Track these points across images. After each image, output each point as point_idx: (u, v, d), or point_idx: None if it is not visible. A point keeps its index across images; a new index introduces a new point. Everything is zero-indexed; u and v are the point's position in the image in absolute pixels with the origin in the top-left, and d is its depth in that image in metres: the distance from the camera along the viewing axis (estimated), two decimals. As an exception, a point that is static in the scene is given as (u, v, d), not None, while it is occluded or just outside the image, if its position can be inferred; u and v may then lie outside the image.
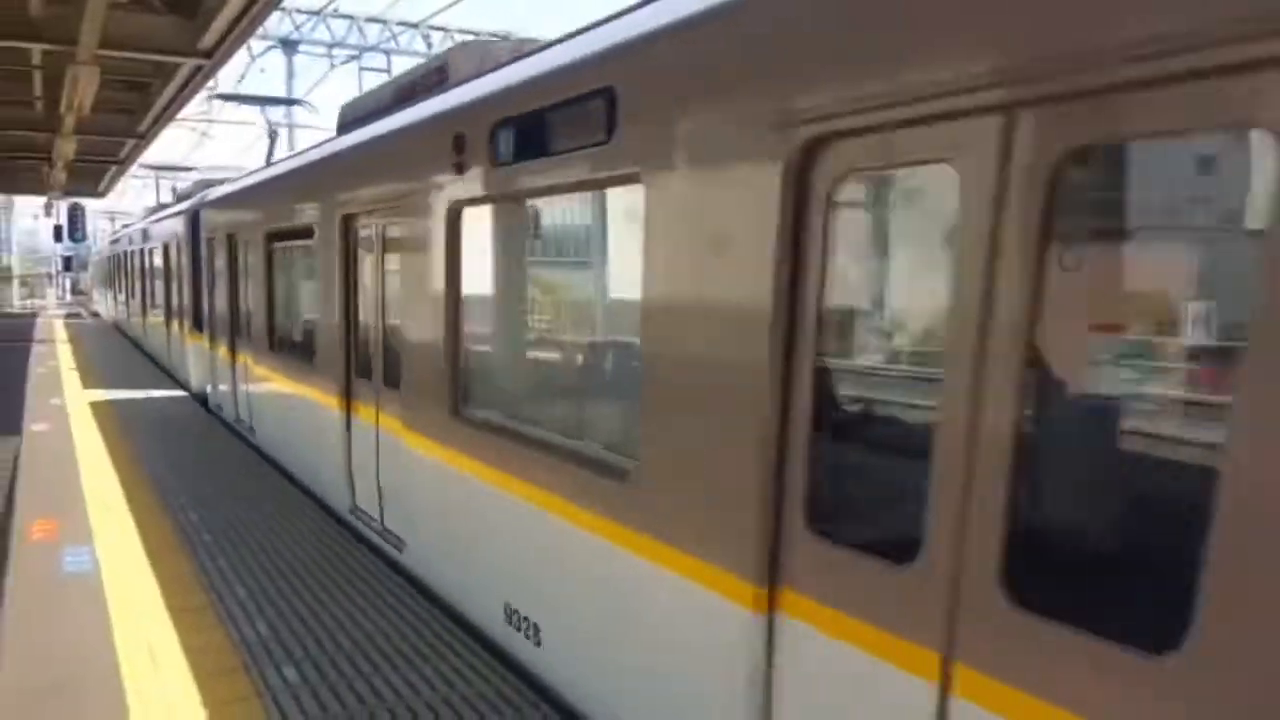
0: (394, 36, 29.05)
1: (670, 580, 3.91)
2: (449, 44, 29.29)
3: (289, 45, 29.77)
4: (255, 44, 27.40)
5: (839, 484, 3.41)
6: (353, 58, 29.07)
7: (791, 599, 3.38)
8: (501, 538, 5.55)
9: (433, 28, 29.28)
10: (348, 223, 8.17)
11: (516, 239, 6.20)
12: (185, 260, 17.11)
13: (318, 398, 8.97)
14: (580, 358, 6.30)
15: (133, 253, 26.17)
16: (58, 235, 47.68)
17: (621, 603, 4.34)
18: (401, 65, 27.95)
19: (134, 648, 5.55)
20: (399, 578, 6.82)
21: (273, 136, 18.27)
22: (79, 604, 6.23)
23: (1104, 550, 2.84)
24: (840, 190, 3.19)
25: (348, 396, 8.32)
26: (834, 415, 3.49)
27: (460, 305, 6.04)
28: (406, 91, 7.72)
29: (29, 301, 57.87)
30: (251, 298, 11.99)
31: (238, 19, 12.11)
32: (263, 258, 11.09)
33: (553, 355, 6.63)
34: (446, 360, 6.07)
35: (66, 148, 21.90)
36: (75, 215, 41.33)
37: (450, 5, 31.74)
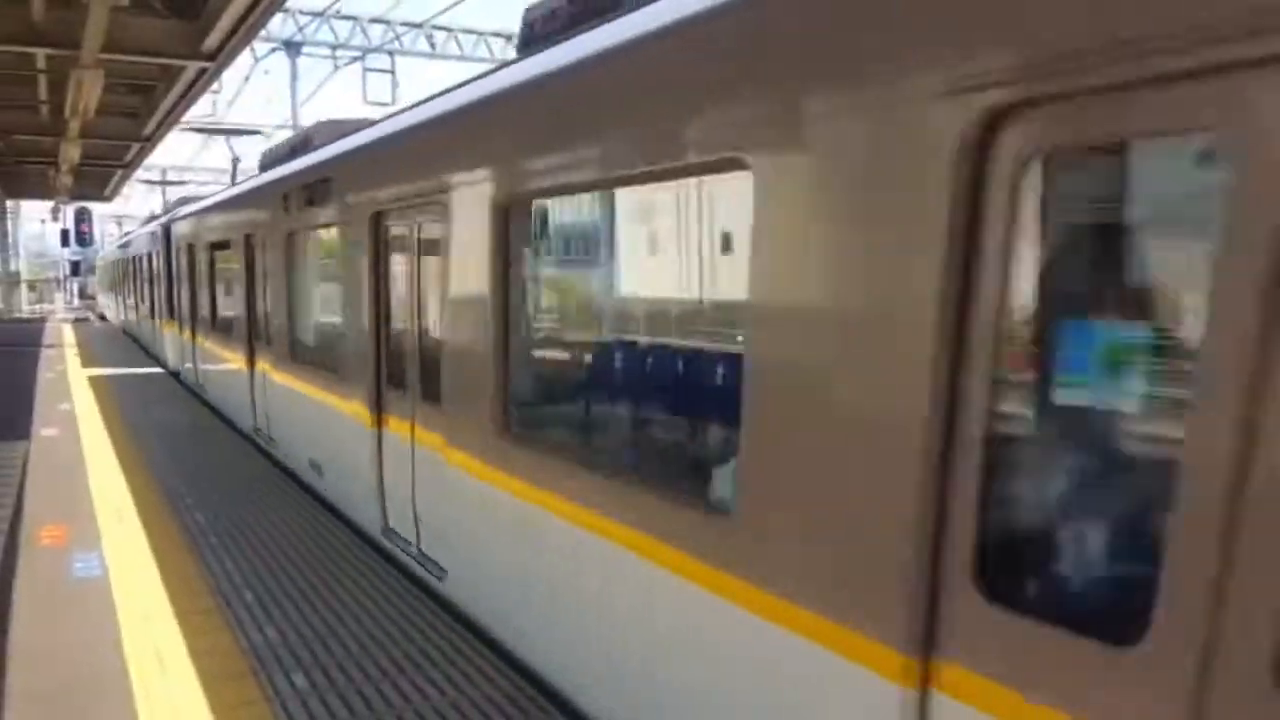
0: (398, 37, 29.02)
1: (780, 638, 3.24)
2: (453, 45, 29.34)
3: (292, 47, 29.75)
4: (259, 46, 27.39)
5: (1026, 531, 2.76)
6: (356, 59, 29.05)
7: (953, 675, 2.71)
8: (562, 573, 4.87)
9: (436, 28, 29.27)
10: (378, 221, 7.51)
11: (584, 236, 5.70)
12: (185, 264, 17.37)
13: (345, 409, 8.39)
14: (657, 369, 5.42)
15: (140, 257, 26.23)
16: (65, 240, 47.87)
17: (722, 662, 3.63)
18: (405, 66, 27.96)
19: (142, 652, 5.54)
20: (406, 583, 6.80)
21: (235, 163, 21.25)
22: (88, 609, 6.22)
23: None
24: (1032, 171, 2.55)
25: (379, 410, 7.72)
26: (1016, 444, 2.77)
27: (509, 312, 5.40)
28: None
29: (37, 306, 58.06)
30: (271, 301, 11.43)
31: (240, 21, 12.13)
32: (282, 259, 10.61)
33: (624, 366, 5.64)
34: (495, 373, 5.40)
35: (72, 151, 21.97)
36: (82, 219, 41.44)
37: (453, 5, 31.73)
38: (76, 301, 60.57)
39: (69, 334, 32.30)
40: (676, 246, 5.13)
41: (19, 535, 7.88)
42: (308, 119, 29.07)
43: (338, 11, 28.79)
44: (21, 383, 18.29)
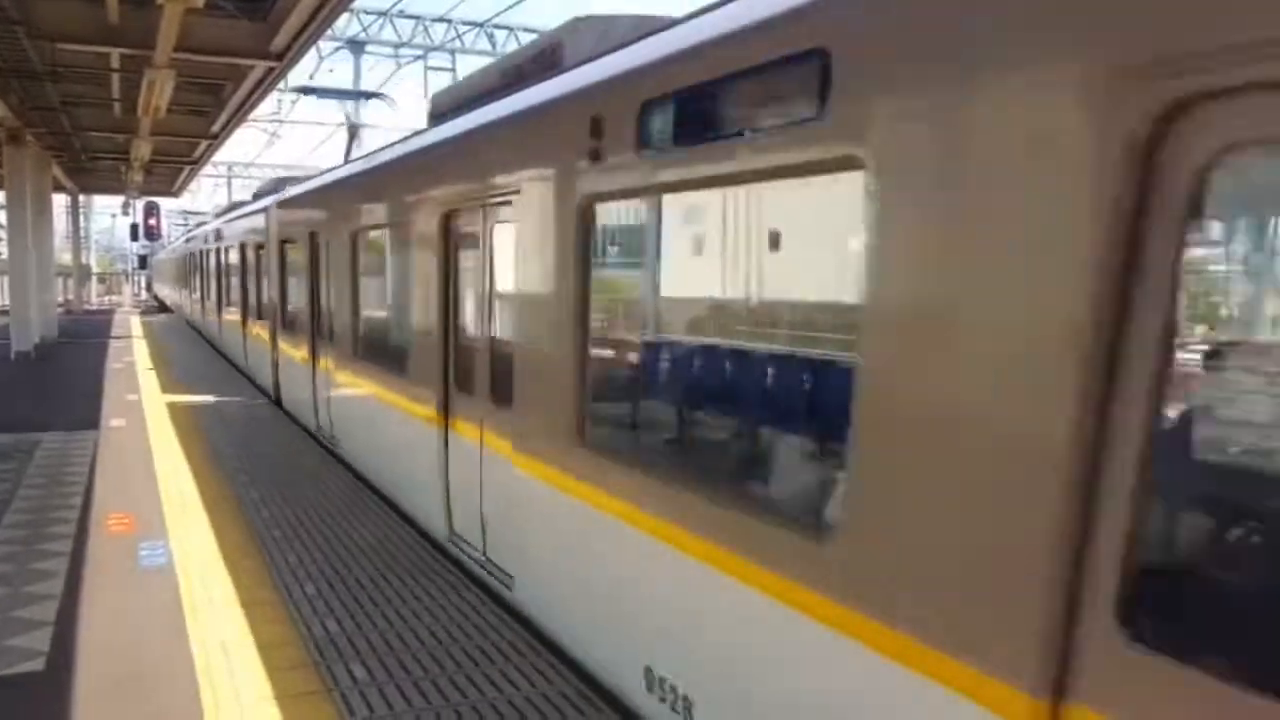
0: (459, 36, 29.30)
1: (884, 670, 3.04)
2: (513, 43, 29.52)
3: (356, 46, 30.17)
4: (324, 45, 27.80)
5: (1179, 568, 2.55)
6: (418, 58, 29.39)
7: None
8: (642, 589, 4.69)
9: (496, 26, 29.50)
10: (448, 220, 7.37)
11: (664, 237, 5.40)
12: (258, 259, 17.29)
13: (410, 410, 8.27)
14: (749, 378, 5.24)
15: (207, 251, 26.43)
16: (134, 234, 48.95)
17: (814, 691, 3.47)
18: (466, 64, 28.21)
19: (207, 640, 5.67)
20: (464, 578, 6.86)
21: (353, 131, 17.31)
22: (154, 597, 6.37)
23: None
24: (1216, 173, 2.24)
25: (446, 412, 7.57)
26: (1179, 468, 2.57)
27: (587, 316, 5.19)
28: (513, 75, 6.92)
29: (107, 298, 59.54)
30: (335, 299, 11.40)
31: (308, 22, 12.31)
32: (348, 257, 10.58)
33: (717, 373, 5.47)
34: (573, 377, 5.22)
35: (143, 148, 22.45)
36: (151, 214, 42.36)
37: (514, 5, 31.96)
38: (144, 294, 61.93)
39: (136, 325, 33.07)
40: (771, 248, 4.84)
41: (88, 523, 8.10)
42: (366, 118, 29.43)
43: (401, 11, 29.16)
44: (91, 373, 18.77)
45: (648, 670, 4.59)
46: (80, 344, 25.47)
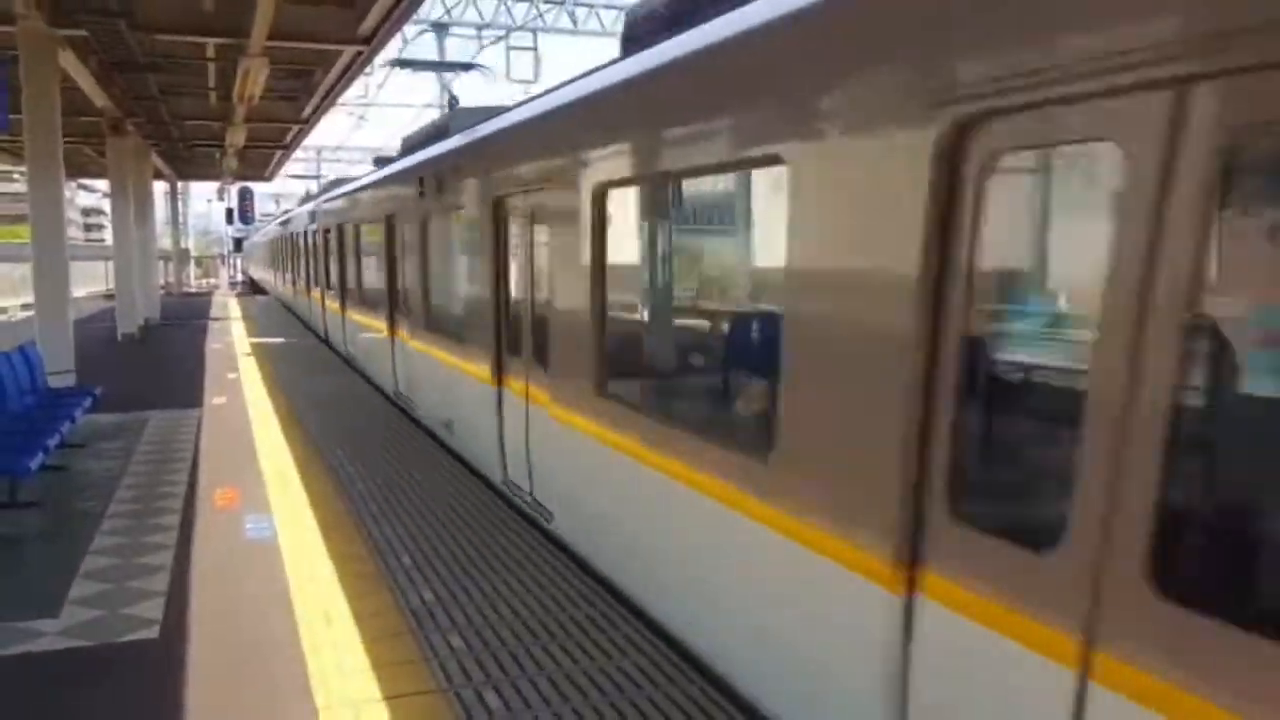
0: (540, 15, 29.40)
1: (802, 554, 4.03)
2: (594, 21, 29.53)
3: (440, 28, 30.51)
4: (408, 28, 28.13)
5: (981, 464, 3.39)
6: (501, 38, 29.58)
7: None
8: (641, 509, 5.76)
9: (578, 4, 29.53)
10: (498, 206, 8.13)
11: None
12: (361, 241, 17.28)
13: (472, 373, 9.20)
14: (715, 339, 6.11)
15: (304, 233, 26.55)
16: (229, 218, 50.44)
17: (754, 575, 4.48)
18: (547, 43, 28.26)
19: (311, 612, 5.86)
20: (557, 551, 6.98)
21: (453, 105, 17.09)
22: (260, 569, 6.62)
23: None
24: (989, 169, 3.14)
25: (499, 373, 8.50)
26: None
27: (605, 289, 6.18)
28: None
29: (204, 281, 61.48)
30: (409, 274, 12.30)
31: (394, 5, 12.49)
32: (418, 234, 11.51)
33: (684, 337, 6.44)
34: (594, 340, 6.24)
35: (237, 135, 23.11)
36: (245, 199, 43.57)
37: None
38: (239, 277, 63.82)
39: (234, 307, 34.12)
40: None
41: (195, 498, 8.44)
42: (460, 93, 29.71)
43: (484, -9, 29.34)
44: (192, 353, 19.45)
45: (642, 564, 5.82)
46: (181, 325, 26.39)
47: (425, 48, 30.16)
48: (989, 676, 3.09)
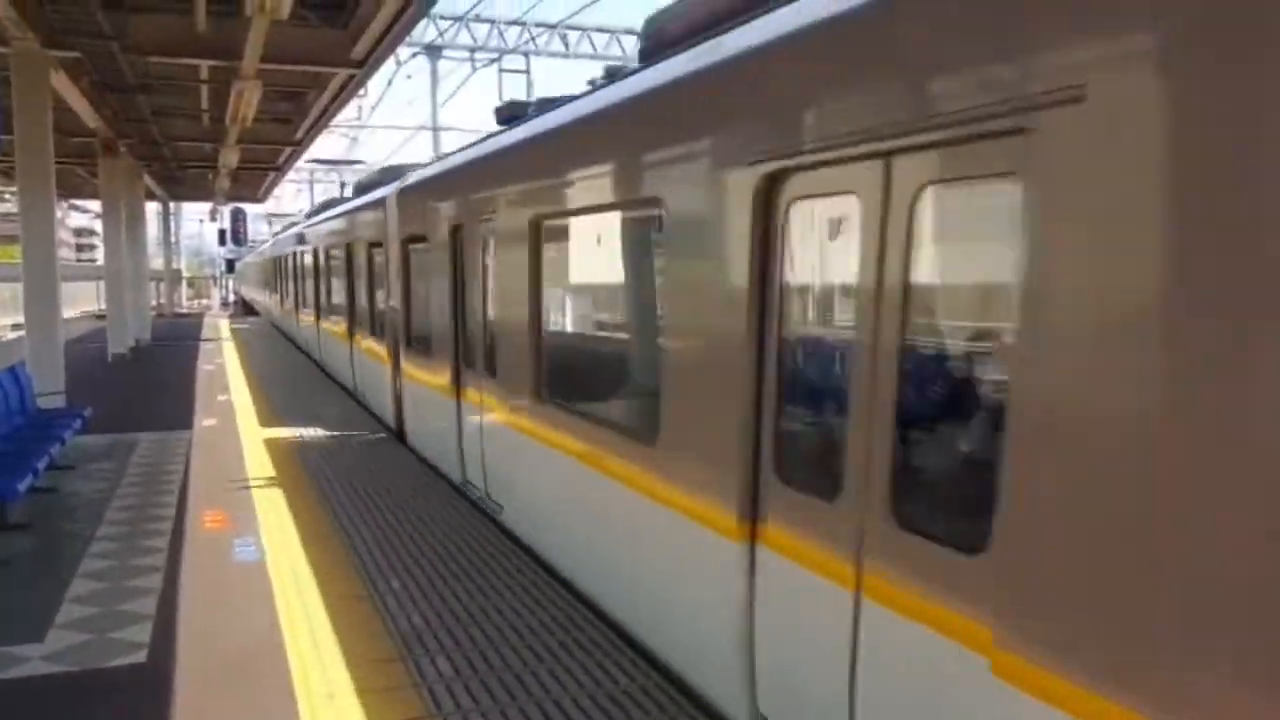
0: (533, 39, 29.58)
1: (678, 520, 5.01)
2: (586, 45, 29.71)
3: (433, 51, 30.67)
4: (402, 51, 28.27)
5: (797, 438, 4.28)
6: (493, 60, 29.73)
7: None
8: (562, 492, 6.87)
9: (569, 28, 29.73)
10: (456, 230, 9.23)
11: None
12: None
13: (436, 385, 10.20)
14: (618, 348, 7.23)
15: (300, 254, 26.15)
16: (222, 239, 50.45)
17: (641, 540, 5.53)
18: (540, 66, 28.45)
19: (299, 635, 5.84)
20: (546, 576, 6.97)
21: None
22: (248, 591, 6.59)
23: None
24: (789, 211, 4.22)
25: (458, 383, 9.45)
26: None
27: (542, 307, 7.30)
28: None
29: (196, 302, 61.41)
30: (394, 297, 12.60)
31: (387, 30, 12.56)
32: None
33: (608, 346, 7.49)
34: (531, 353, 7.30)
35: (230, 156, 23.12)
36: (238, 220, 43.59)
37: (588, 5, 32.10)
38: (231, 298, 63.76)
39: (225, 328, 34.07)
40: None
41: (184, 520, 8.41)
42: (445, 119, 29.84)
43: (476, 16, 29.52)
44: (183, 375, 19.41)
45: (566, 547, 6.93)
46: (173, 346, 26.35)
47: (418, 72, 30.31)
48: (807, 599, 4.02)
